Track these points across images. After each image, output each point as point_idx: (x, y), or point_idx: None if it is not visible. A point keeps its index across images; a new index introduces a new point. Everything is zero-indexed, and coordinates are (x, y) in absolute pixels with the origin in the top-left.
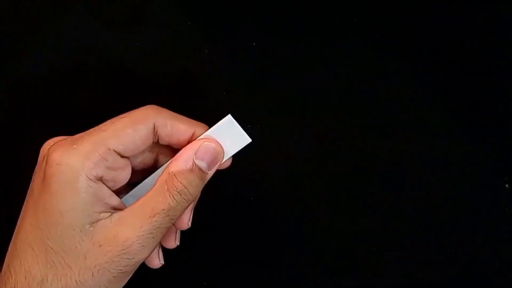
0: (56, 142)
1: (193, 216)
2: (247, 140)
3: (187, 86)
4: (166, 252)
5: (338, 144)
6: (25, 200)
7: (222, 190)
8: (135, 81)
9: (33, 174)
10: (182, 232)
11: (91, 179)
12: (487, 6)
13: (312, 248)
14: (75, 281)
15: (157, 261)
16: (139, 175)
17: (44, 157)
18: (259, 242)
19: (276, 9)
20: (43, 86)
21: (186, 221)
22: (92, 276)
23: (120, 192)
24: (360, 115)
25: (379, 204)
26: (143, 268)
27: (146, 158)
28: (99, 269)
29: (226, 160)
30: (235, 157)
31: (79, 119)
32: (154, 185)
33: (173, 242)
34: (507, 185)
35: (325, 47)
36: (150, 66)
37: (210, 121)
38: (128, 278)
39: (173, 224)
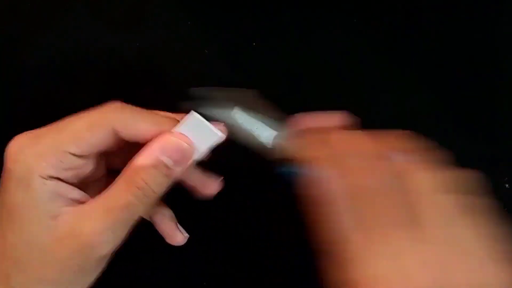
0: (17, 137)
1: (192, 216)
2: (218, 136)
3: (187, 86)
4: (166, 252)
5: None
6: None
7: (222, 190)
8: (135, 81)
9: None
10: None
11: (45, 178)
12: (487, 6)
13: (312, 248)
14: (37, 277)
15: (180, 237)
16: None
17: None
18: (260, 242)
19: (276, 9)
20: (43, 86)
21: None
22: (52, 271)
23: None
24: (360, 115)
25: None
26: (143, 268)
27: (116, 156)
28: (58, 264)
29: (202, 156)
30: (235, 157)
31: None
32: (117, 179)
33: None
34: (507, 185)
35: (325, 47)
36: (150, 66)
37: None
38: (95, 274)
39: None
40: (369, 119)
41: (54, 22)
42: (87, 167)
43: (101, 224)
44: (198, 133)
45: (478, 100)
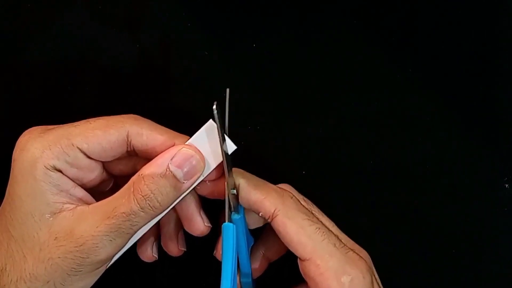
0: (30, 129)
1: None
2: (232, 147)
3: (187, 87)
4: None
5: (338, 144)
6: None
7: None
8: (134, 81)
9: None
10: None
11: (48, 169)
12: (487, 6)
13: None
14: (29, 273)
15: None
16: (122, 181)
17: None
18: None
19: (276, 10)
20: (42, 86)
21: (199, 226)
22: (45, 270)
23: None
24: (360, 115)
25: (379, 204)
26: (143, 268)
27: (123, 166)
28: (51, 264)
29: (211, 172)
30: (235, 157)
31: (79, 119)
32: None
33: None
34: (507, 185)
35: (325, 48)
36: (150, 66)
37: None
38: (91, 279)
39: (187, 228)
40: (369, 119)
41: (54, 22)
42: (91, 173)
43: (98, 230)
44: (211, 145)
45: (478, 100)
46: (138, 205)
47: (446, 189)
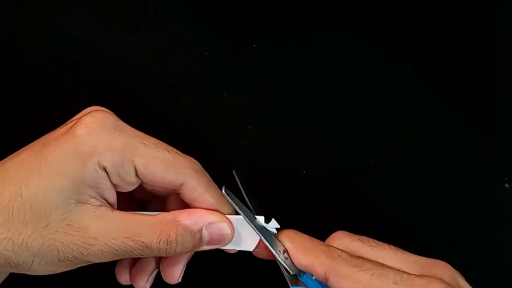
0: (105, 110)
1: None
2: (276, 225)
3: (187, 87)
4: None
5: (338, 144)
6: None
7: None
8: (134, 82)
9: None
10: None
11: (99, 166)
12: (487, 6)
13: None
14: (22, 239)
15: (174, 275)
16: (139, 193)
17: (87, 112)
18: None
19: (276, 10)
20: (42, 86)
21: (176, 276)
22: (41, 246)
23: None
24: (360, 115)
25: (379, 204)
26: None
27: (158, 189)
28: (50, 244)
29: (231, 249)
30: (235, 156)
31: None
32: (156, 214)
33: (173, 274)
34: (507, 185)
35: (325, 48)
36: (150, 67)
37: (210, 124)
38: (68, 269)
39: (162, 270)
40: (369, 119)
41: (54, 22)
42: (129, 186)
43: (113, 241)
44: (247, 231)
45: (478, 100)
46: (158, 244)
47: (446, 189)
